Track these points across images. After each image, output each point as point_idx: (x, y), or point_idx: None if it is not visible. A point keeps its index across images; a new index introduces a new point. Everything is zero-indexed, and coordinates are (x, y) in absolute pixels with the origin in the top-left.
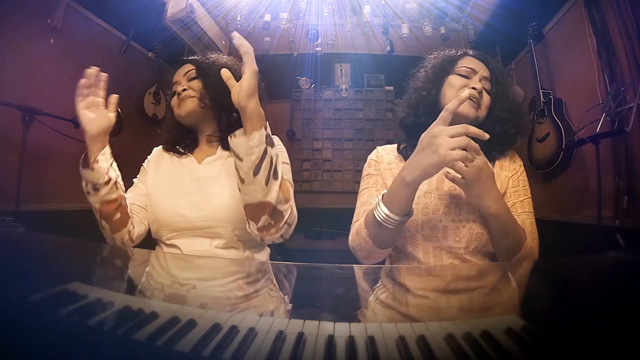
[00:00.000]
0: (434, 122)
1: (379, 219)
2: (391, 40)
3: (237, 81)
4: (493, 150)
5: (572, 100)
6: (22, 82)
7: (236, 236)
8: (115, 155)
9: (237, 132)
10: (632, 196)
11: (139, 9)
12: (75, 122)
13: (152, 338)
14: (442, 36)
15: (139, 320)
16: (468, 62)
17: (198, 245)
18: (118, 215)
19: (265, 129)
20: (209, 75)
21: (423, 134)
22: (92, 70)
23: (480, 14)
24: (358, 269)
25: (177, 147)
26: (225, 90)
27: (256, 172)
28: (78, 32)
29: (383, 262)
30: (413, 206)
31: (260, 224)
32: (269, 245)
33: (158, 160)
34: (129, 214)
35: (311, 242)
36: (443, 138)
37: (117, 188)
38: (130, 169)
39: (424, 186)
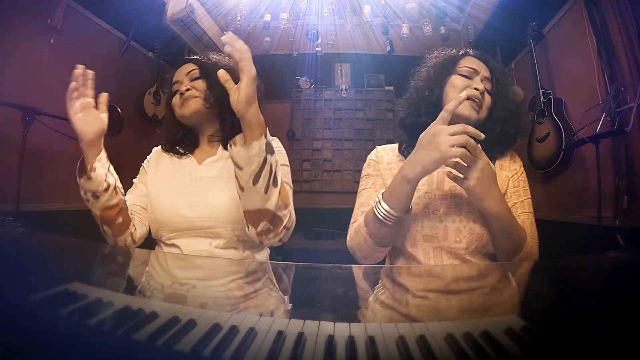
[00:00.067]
0: (434, 122)
1: (380, 216)
2: (391, 40)
3: (236, 83)
4: (493, 150)
5: (572, 100)
6: (22, 82)
7: (236, 236)
8: (115, 155)
9: (237, 139)
10: (632, 196)
11: (139, 9)
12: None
13: (152, 338)
14: (442, 36)
15: (139, 320)
16: (469, 63)
17: (198, 245)
18: (120, 220)
19: (265, 136)
20: (213, 76)
21: (423, 133)
22: (79, 71)
23: (480, 14)
24: (358, 269)
25: (177, 147)
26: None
27: (256, 180)
28: (78, 32)
29: (383, 262)
30: (414, 207)
31: (259, 229)
32: (268, 246)
33: (158, 161)
34: (130, 216)
35: (311, 242)
36: (443, 136)
37: (116, 193)
38: (130, 169)
39: (424, 186)
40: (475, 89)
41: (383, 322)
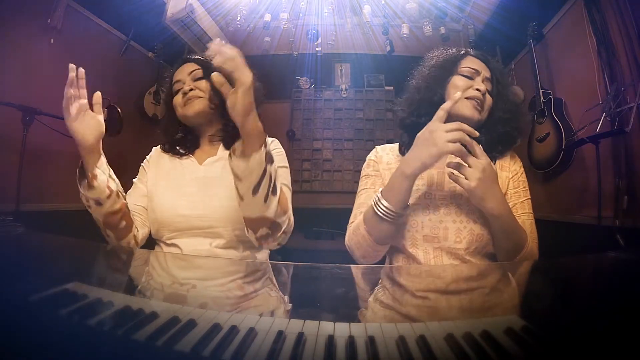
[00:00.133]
0: (431, 120)
1: (379, 213)
2: (391, 40)
3: (232, 86)
4: (494, 150)
5: (572, 100)
6: (22, 82)
7: (236, 236)
8: (115, 155)
9: (237, 148)
10: (632, 196)
11: (139, 9)
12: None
13: (152, 338)
14: (442, 36)
15: (139, 320)
16: (470, 63)
17: (198, 245)
18: (123, 224)
19: (265, 146)
20: None
21: (420, 132)
22: (72, 74)
23: (480, 14)
24: (358, 269)
25: (178, 147)
26: None
27: (255, 191)
28: (78, 32)
29: (383, 263)
30: (414, 207)
31: (258, 235)
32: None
33: (158, 160)
34: (132, 218)
35: (311, 242)
36: (440, 132)
37: (119, 197)
38: (130, 169)
39: (424, 187)
40: (477, 89)
41: (383, 322)
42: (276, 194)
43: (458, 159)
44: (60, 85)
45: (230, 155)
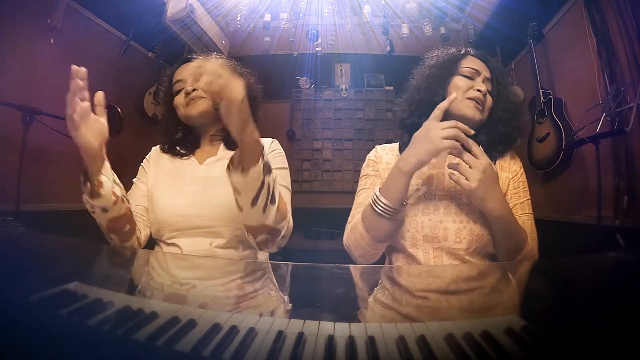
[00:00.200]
0: (428, 119)
1: (377, 209)
2: (391, 40)
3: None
4: (494, 150)
5: (572, 100)
6: (22, 82)
7: (237, 236)
8: (115, 155)
9: (235, 161)
10: (632, 196)
11: (139, 9)
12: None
13: (152, 338)
14: (442, 36)
15: (139, 320)
16: (471, 63)
17: (198, 244)
18: (127, 227)
19: (262, 158)
20: None
21: (417, 132)
22: (77, 81)
23: (480, 14)
24: (358, 269)
25: (178, 148)
26: None
27: (254, 203)
28: (78, 32)
29: (383, 263)
30: (414, 207)
31: (258, 240)
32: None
33: (157, 160)
34: (135, 220)
35: (311, 242)
36: (435, 130)
37: (124, 202)
38: (130, 169)
39: (424, 187)
40: (478, 90)
41: (383, 322)
42: (275, 202)
43: (458, 160)
44: (60, 86)
45: (228, 167)
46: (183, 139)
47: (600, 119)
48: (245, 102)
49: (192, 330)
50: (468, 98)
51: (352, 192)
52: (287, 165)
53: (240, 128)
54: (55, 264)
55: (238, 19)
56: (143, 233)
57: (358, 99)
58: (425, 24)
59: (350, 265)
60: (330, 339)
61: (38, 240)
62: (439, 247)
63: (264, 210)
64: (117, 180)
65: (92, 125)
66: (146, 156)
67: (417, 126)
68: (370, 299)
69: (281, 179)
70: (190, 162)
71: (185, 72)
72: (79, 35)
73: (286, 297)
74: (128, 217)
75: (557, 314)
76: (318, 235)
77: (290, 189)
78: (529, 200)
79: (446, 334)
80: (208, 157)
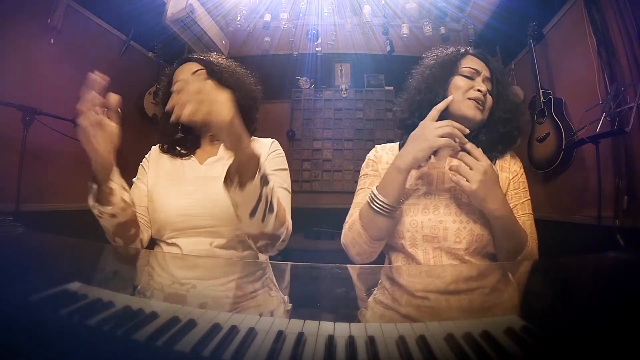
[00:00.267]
0: (424, 119)
1: (374, 207)
2: (391, 40)
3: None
4: (494, 150)
5: (572, 100)
6: (22, 82)
7: (237, 236)
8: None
9: (232, 177)
10: (632, 196)
11: (139, 9)
12: (76, 122)
13: (152, 338)
14: (442, 36)
15: (139, 320)
16: (470, 63)
17: (199, 244)
18: (132, 231)
19: (259, 171)
20: (221, 77)
21: (413, 131)
22: (95, 94)
23: (480, 14)
24: (358, 269)
25: (178, 148)
26: (237, 93)
27: (252, 214)
28: (78, 32)
29: (382, 263)
30: (414, 207)
31: (258, 245)
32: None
33: (157, 160)
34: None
35: (311, 242)
36: (431, 128)
37: (131, 207)
38: (130, 169)
39: (424, 187)
40: (479, 90)
41: (383, 322)
42: (273, 211)
43: (459, 162)
44: (60, 85)
45: (225, 181)
46: (183, 139)
47: (600, 119)
48: (236, 119)
49: (192, 330)
50: (468, 98)
51: (352, 192)
52: (287, 167)
53: (234, 145)
54: (55, 264)
55: (238, 19)
56: (146, 234)
57: (358, 99)
58: (425, 24)
59: (350, 265)
60: (330, 339)
61: (38, 240)
62: (439, 247)
63: (263, 219)
64: (125, 186)
65: (104, 134)
66: (146, 156)
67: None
68: (370, 299)
69: (281, 181)
70: (191, 162)
71: (187, 71)
72: (79, 35)
73: (286, 297)
74: (134, 221)
75: (557, 314)
76: (318, 235)
77: (290, 190)
78: (529, 201)
79: (446, 334)
80: (208, 157)
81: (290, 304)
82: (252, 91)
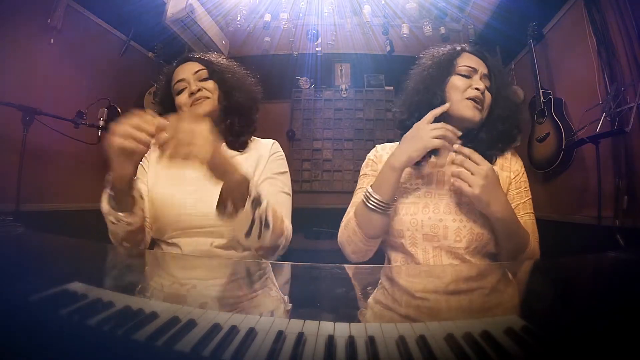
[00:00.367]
0: (419, 121)
1: (369, 205)
2: (391, 40)
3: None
4: (494, 148)
5: (572, 100)
6: (22, 82)
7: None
8: None
9: (223, 202)
10: (632, 196)
11: (139, 9)
12: (76, 122)
13: (152, 338)
14: (442, 36)
15: (139, 320)
16: (467, 61)
17: (199, 244)
18: (140, 236)
19: (250, 196)
20: (223, 78)
21: (408, 131)
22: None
23: (480, 14)
24: (358, 269)
25: None
26: (239, 93)
27: (247, 235)
28: (78, 32)
29: (382, 262)
30: (414, 206)
31: (258, 253)
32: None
33: (157, 159)
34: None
35: (311, 242)
36: (425, 130)
37: (145, 215)
38: None
39: (424, 186)
40: (477, 88)
41: (383, 322)
42: (269, 227)
43: (460, 168)
44: (60, 85)
45: (217, 207)
46: None
47: (600, 119)
48: (217, 152)
49: (192, 330)
50: (467, 98)
51: (352, 192)
52: (287, 169)
53: (221, 176)
54: (55, 264)
55: (238, 19)
56: (147, 236)
57: (358, 99)
58: (425, 24)
59: (350, 265)
60: (330, 339)
61: (38, 240)
62: (439, 246)
63: (259, 237)
64: (143, 194)
65: (137, 157)
66: (145, 155)
67: None
68: (370, 299)
69: (282, 185)
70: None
71: (188, 71)
72: (79, 35)
73: (286, 297)
74: (144, 227)
75: (557, 314)
76: (318, 235)
77: (290, 193)
78: (530, 200)
79: (446, 334)
80: None
81: (290, 304)
82: (252, 91)
